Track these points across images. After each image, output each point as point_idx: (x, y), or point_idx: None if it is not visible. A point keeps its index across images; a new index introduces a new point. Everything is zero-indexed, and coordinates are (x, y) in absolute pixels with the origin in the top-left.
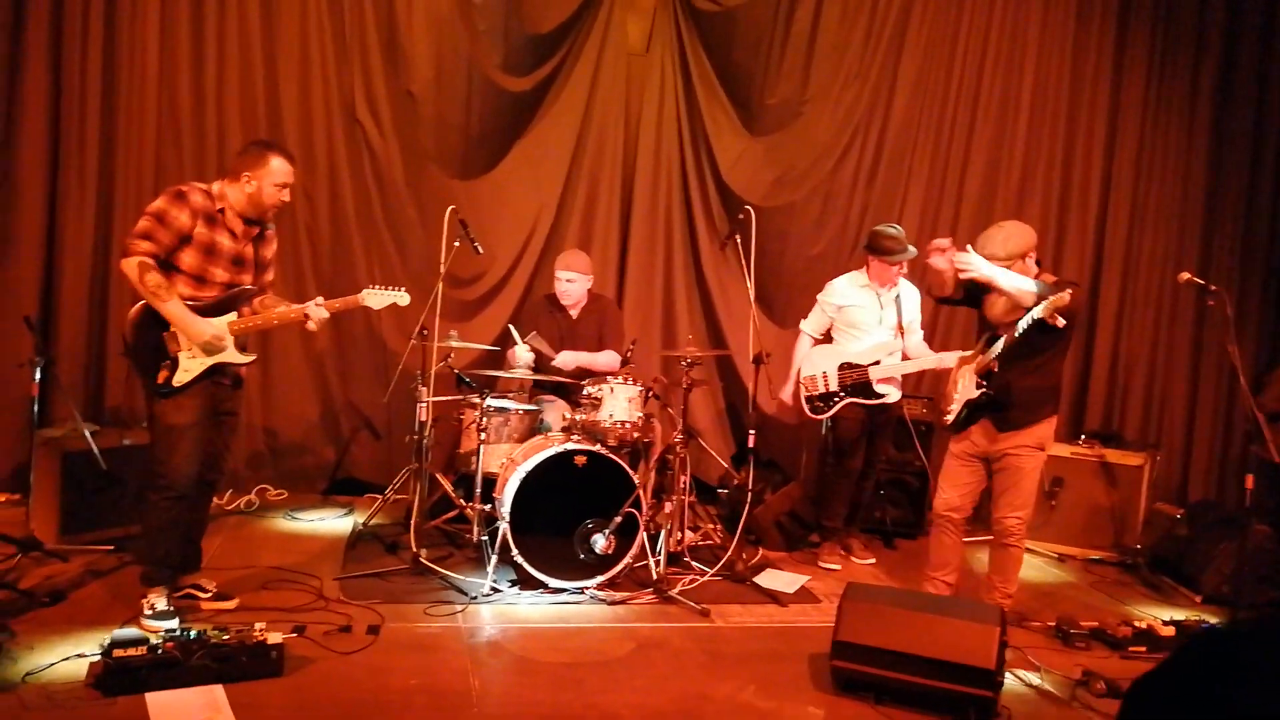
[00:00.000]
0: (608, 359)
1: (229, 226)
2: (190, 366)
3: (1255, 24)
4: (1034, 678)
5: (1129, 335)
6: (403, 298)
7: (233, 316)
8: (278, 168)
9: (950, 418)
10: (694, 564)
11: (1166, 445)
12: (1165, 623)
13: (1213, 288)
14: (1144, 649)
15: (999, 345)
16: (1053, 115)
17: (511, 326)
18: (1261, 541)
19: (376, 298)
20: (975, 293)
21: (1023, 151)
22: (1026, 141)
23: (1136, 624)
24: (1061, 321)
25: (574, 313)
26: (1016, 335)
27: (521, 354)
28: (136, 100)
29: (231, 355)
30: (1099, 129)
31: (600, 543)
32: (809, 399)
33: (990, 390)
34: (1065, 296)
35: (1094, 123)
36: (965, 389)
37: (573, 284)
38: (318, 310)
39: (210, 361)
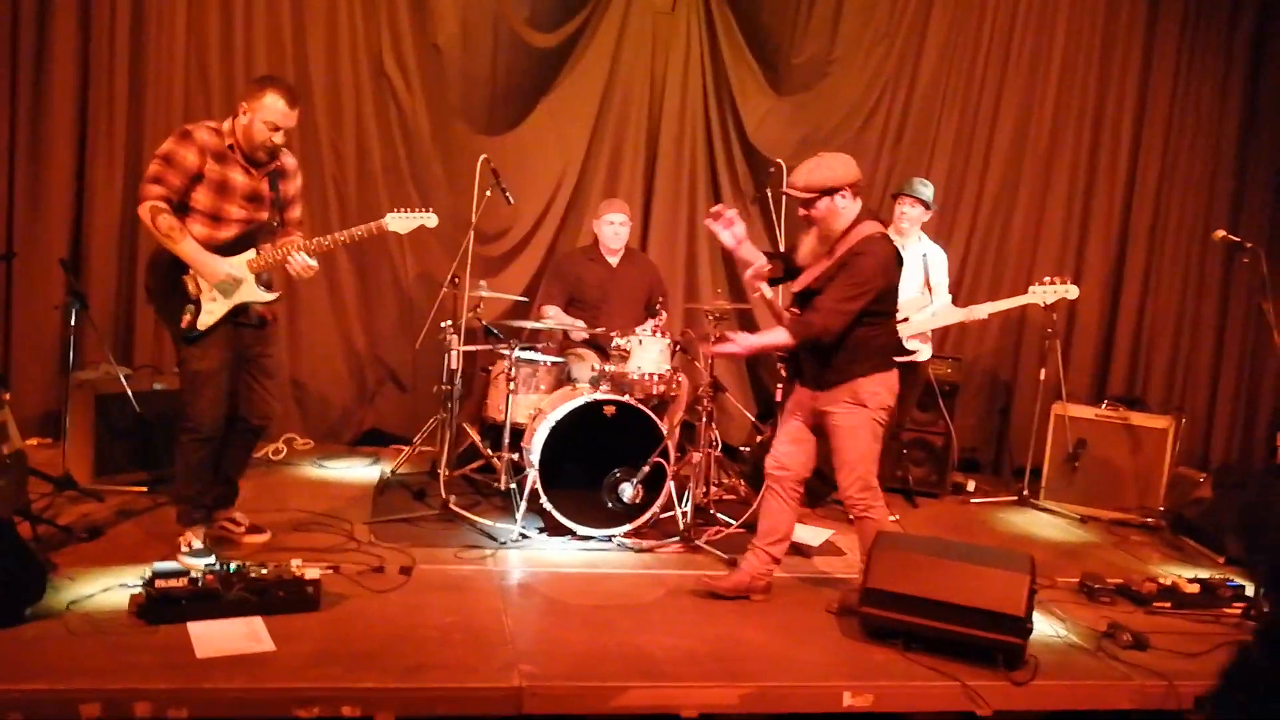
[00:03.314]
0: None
1: (241, 163)
2: (213, 308)
3: None
4: (1061, 628)
5: (1155, 298)
6: (430, 219)
7: (252, 254)
8: (270, 104)
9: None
10: (720, 516)
11: (1190, 409)
12: (1190, 580)
13: (1248, 245)
14: (1169, 605)
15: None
16: (1083, 74)
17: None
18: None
19: (401, 221)
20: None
21: (1052, 111)
22: (1056, 101)
23: (1161, 581)
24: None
25: (613, 260)
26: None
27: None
28: (165, 50)
29: (253, 293)
30: (1130, 87)
31: (628, 492)
32: None
33: (794, 349)
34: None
35: (1125, 81)
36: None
37: (625, 226)
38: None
39: (233, 302)
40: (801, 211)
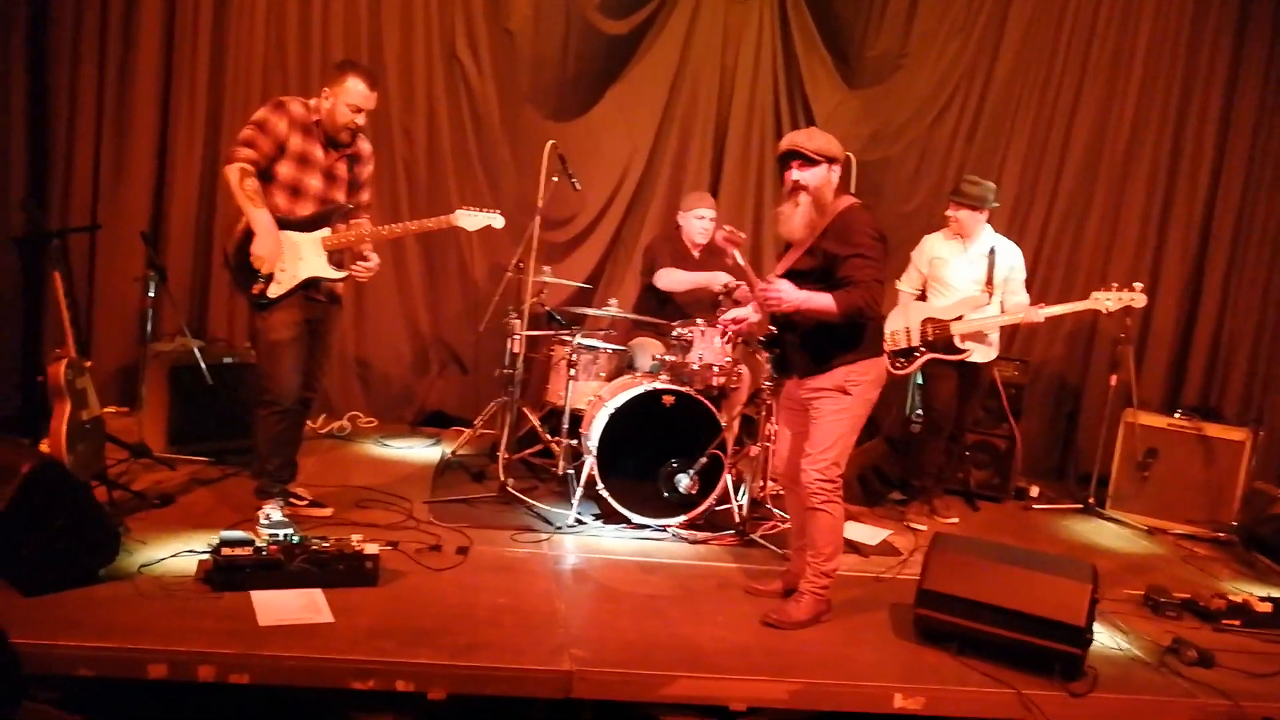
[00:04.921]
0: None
1: (321, 141)
2: (283, 279)
3: None
4: (1123, 641)
5: (1235, 307)
6: (497, 220)
7: (326, 232)
8: (351, 88)
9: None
10: (775, 511)
11: (1268, 422)
12: (1262, 599)
13: None
14: (1238, 622)
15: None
16: (1167, 75)
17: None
18: None
19: (470, 219)
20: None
21: (1132, 113)
22: (1137, 102)
23: (1231, 598)
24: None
25: (696, 254)
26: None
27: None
28: (245, 31)
29: (324, 269)
30: (1216, 91)
31: (684, 482)
32: (890, 354)
33: (774, 332)
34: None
35: (1211, 84)
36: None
37: (714, 221)
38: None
39: (303, 276)
40: (795, 175)
